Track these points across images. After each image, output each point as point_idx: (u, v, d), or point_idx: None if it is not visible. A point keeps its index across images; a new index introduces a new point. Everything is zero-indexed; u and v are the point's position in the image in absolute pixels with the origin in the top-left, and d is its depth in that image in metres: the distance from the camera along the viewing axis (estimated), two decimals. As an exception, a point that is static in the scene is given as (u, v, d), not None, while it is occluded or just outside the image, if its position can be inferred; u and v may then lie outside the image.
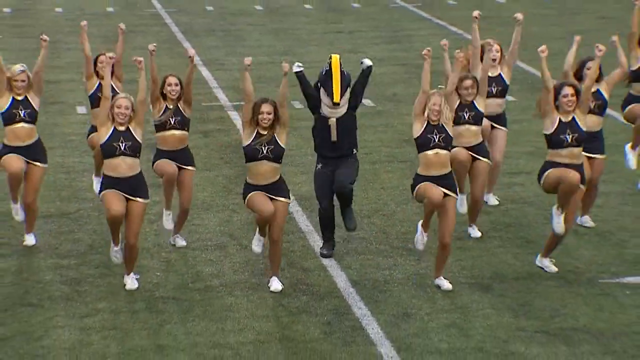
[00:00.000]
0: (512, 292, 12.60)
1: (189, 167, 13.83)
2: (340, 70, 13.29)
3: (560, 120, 12.76)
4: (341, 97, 13.25)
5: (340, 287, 12.81)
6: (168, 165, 13.63)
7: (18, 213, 14.03)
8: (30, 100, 13.87)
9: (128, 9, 30.70)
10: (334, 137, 13.38)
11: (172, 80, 13.80)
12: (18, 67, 14.03)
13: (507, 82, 15.28)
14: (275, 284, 12.65)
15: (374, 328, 11.74)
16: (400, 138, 18.09)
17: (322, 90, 13.36)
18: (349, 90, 13.38)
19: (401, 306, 12.28)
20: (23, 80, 13.86)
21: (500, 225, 14.50)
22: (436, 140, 12.52)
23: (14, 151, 13.72)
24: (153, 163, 13.73)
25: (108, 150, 12.42)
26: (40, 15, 29.89)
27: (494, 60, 15.00)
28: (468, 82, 13.79)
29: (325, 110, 13.36)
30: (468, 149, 13.93)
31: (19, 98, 13.88)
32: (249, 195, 12.55)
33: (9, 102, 13.83)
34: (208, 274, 13.08)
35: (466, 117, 13.81)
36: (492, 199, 15.31)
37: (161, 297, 12.55)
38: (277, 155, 12.49)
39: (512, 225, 14.55)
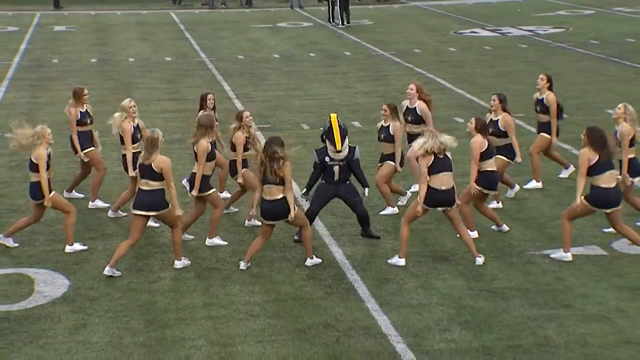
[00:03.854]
0: (463, 262, 12.57)
1: None
2: (338, 125, 13.21)
3: None
4: (342, 145, 13.16)
5: (338, 259, 12.78)
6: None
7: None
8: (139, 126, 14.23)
9: (181, 58, 30.67)
10: (337, 178, 13.30)
11: (247, 113, 13.90)
12: (127, 100, 14.26)
13: (419, 114, 15.01)
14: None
15: (363, 289, 11.72)
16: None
17: (327, 142, 13.25)
18: (347, 138, 13.24)
19: (382, 273, 12.26)
20: (134, 105, 14.21)
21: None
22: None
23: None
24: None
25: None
26: (117, 64, 29.87)
27: (409, 96, 15.08)
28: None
29: (331, 155, 13.24)
30: None
31: (134, 124, 14.12)
32: (264, 220, 12.35)
33: (133, 128, 14.07)
34: (241, 251, 13.02)
35: None
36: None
37: (207, 267, 12.53)
38: (281, 182, 12.20)
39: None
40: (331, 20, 38.44)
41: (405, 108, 15.25)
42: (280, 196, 12.18)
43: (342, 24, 37.78)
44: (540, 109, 15.60)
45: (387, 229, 13.87)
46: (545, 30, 35.47)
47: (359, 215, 13.40)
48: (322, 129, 13.45)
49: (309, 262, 12.46)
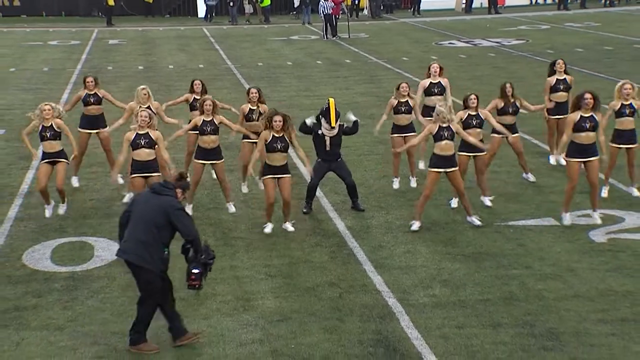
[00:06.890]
0: (443, 232, 12.57)
1: None
2: (335, 108, 13.20)
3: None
4: (336, 123, 13.16)
5: (340, 230, 12.77)
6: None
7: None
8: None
9: (211, 65, 30.62)
10: (328, 147, 13.28)
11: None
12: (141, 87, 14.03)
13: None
14: (289, 227, 12.52)
15: (361, 254, 11.71)
16: (376, 140, 17.99)
17: (322, 119, 13.23)
18: (338, 121, 13.21)
19: (377, 241, 12.25)
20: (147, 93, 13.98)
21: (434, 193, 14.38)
22: (446, 135, 12.29)
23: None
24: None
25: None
26: (159, 70, 29.83)
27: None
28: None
29: (324, 131, 13.23)
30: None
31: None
32: (265, 177, 12.23)
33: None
34: (261, 223, 13.00)
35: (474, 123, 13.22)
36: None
37: (233, 237, 12.53)
38: (285, 148, 12.22)
39: (441, 191, 14.46)
40: (334, 34, 38.24)
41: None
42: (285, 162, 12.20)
43: (333, 36, 37.80)
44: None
45: (380, 205, 13.85)
46: (509, 42, 35.34)
47: (347, 185, 13.39)
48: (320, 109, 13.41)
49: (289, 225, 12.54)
